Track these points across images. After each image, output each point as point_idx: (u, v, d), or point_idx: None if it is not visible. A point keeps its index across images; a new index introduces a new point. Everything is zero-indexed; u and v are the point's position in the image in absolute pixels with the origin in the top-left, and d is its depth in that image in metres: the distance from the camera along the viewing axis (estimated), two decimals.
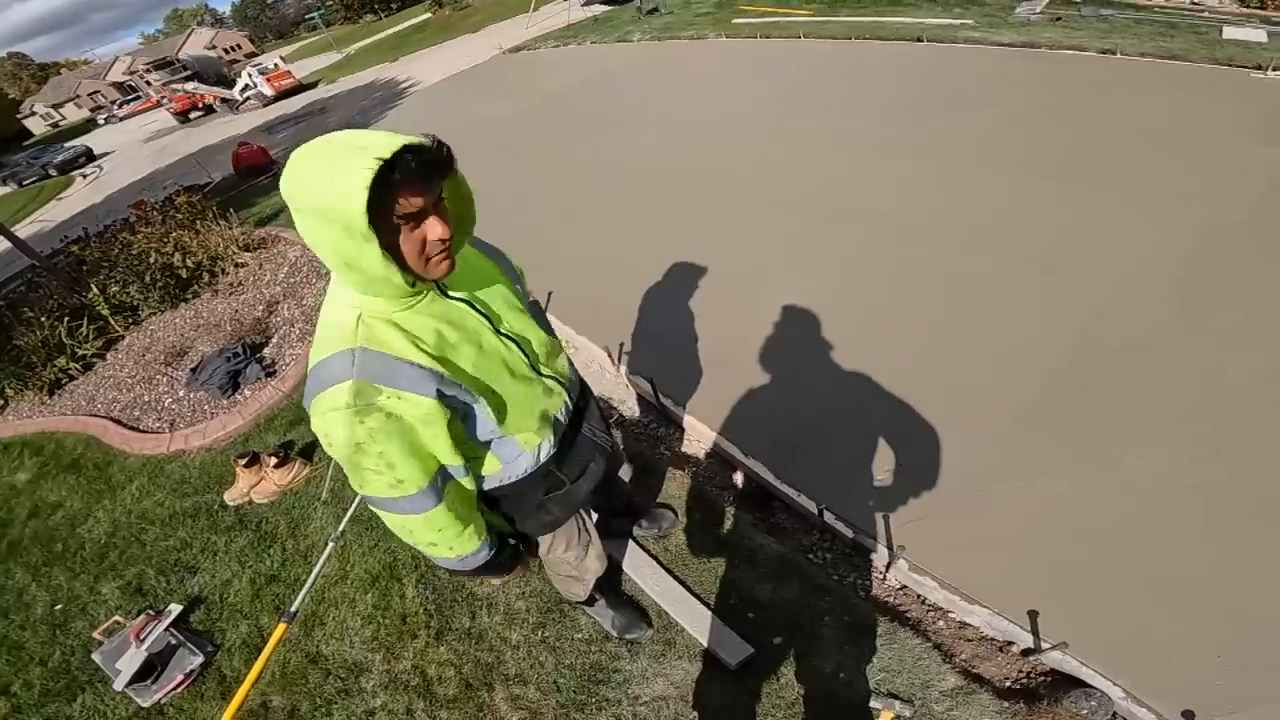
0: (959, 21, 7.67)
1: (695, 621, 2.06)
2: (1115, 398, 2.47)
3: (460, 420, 1.10)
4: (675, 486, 2.57)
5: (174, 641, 2.47)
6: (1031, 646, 1.84)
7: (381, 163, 0.80)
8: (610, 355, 3.38)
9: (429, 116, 11.00)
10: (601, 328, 3.58)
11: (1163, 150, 3.96)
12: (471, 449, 1.19)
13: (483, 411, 1.10)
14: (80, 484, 3.73)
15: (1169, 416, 2.35)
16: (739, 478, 2.67)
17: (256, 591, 2.68)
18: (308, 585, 2.50)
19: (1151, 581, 1.90)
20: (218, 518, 3.13)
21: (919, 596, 2.08)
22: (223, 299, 5.36)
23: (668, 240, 4.37)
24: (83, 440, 4.12)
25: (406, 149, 0.82)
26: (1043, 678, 1.80)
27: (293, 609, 2.38)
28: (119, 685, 2.35)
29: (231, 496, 3.17)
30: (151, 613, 2.62)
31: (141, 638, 2.41)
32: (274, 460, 3.12)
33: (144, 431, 4.00)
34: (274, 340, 4.53)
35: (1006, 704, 1.73)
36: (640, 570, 2.25)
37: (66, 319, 5.19)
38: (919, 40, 7.19)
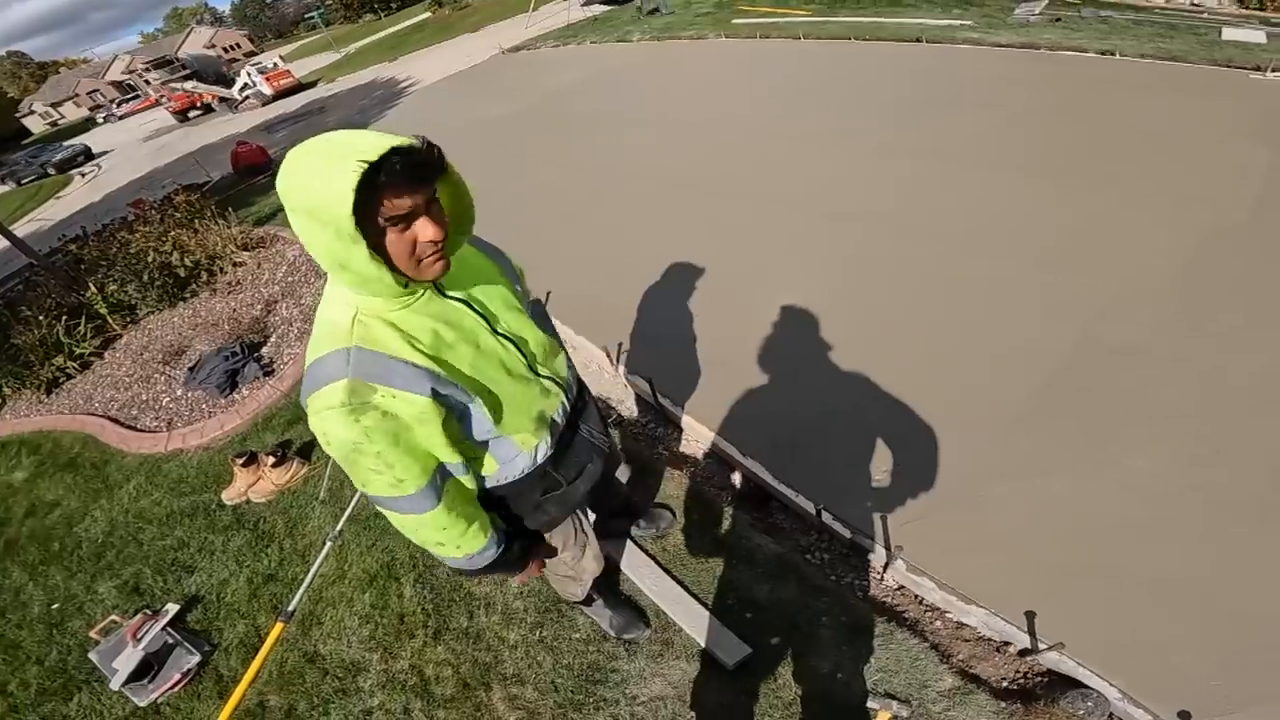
0: (958, 22, 7.68)
1: (693, 621, 2.06)
2: (1114, 398, 2.47)
3: (456, 420, 1.10)
4: (673, 486, 2.57)
5: (171, 641, 2.46)
6: (1028, 647, 1.84)
7: (367, 165, 0.80)
8: (608, 355, 3.37)
9: (428, 116, 10.99)
10: (600, 327, 3.58)
11: (1162, 151, 3.96)
12: (469, 449, 1.18)
13: (479, 411, 1.10)
14: (77, 483, 3.72)
15: (1167, 417, 2.35)
16: (737, 478, 2.67)
17: (254, 591, 2.68)
18: (305, 584, 2.50)
19: (1149, 582, 1.91)
20: (215, 517, 3.13)
21: (916, 597, 2.08)
22: (221, 298, 5.35)
23: (667, 240, 4.37)
24: (80, 439, 4.11)
25: (394, 151, 0.82)
26: (1039, 678, 1.80)
27: (290, 608, 2.39)
28: (115, 684, 2.34)
29: (229, 496, 3.17)
30: (148, 612, 2.61)
31: (138, 637, 2.40)
32: (272, 459, 3.11)
33: (141, 430, 4.00)
34: (272, 339, 4.52)
35: (1003, 704, 1.73)
36: (638, 570, 2.25)
37: (64, 318, 5.19)
38: (918, 41, 7.20)
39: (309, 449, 3.34)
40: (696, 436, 2.88)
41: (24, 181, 22.07)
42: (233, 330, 4.62)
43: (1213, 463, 2.17)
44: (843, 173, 4.67)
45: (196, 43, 57.50)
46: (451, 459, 1.08)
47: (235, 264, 5.84)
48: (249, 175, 9.95)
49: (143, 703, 2.34)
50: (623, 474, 2.13)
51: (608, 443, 1.61)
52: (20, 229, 11.32)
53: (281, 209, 0.95)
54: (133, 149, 21.62)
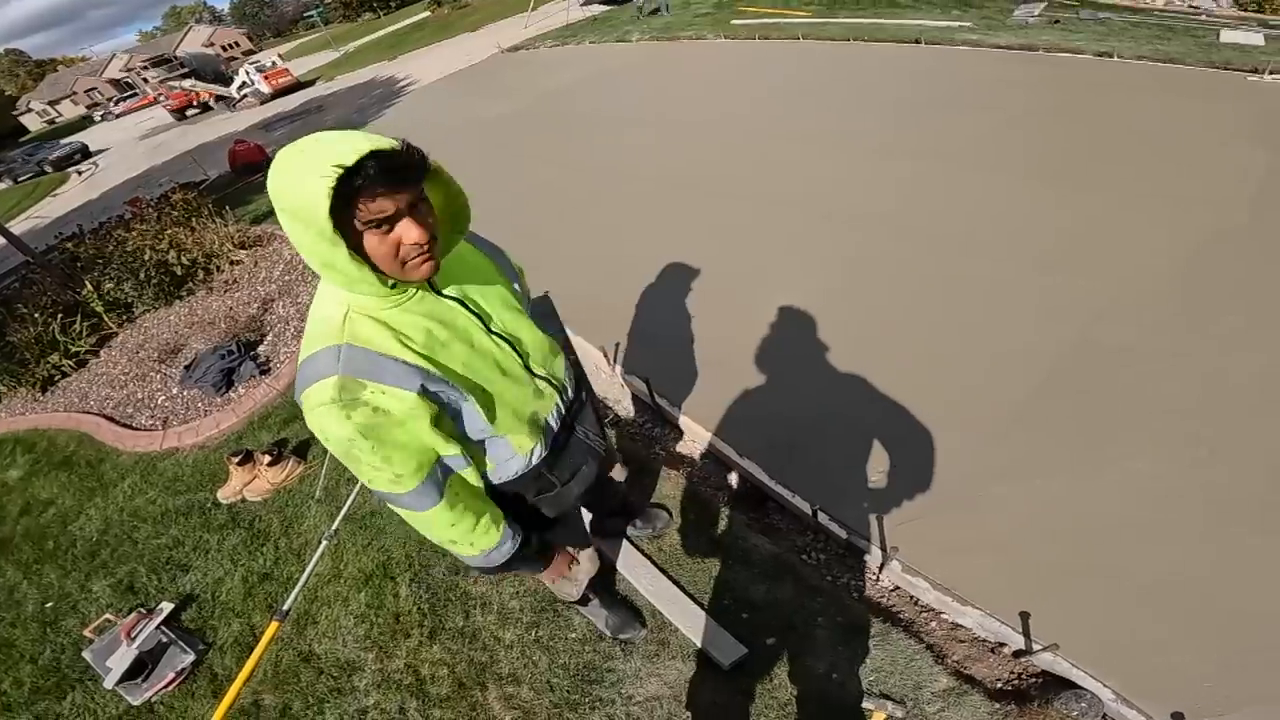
0: (957, 24, 7.70)
1: (689, 621, 2.06)
2: (1112, 399, 2.48)
3: (449, 418, 1.10)
4: (670, 486, 2.57)
5: (165, 640, 2.46)
6: (1023, 648, 1.84)
7: (341, 170, 0.80)
8: (606, 355, 3.37)
9: (427, 115, 10.98)
10: (598, 327, 3.58)
11: (1160, 153, 3.97)
12: (464, 448, 1.18)
13: (472, 411, 1.10)
14: (72, 481, 3.71)
15: (1165, 418, 2.36)
16: (734, 478, 2.67)
17: (249, 590, 2.67)
18: (300, 583, 2.50)
19: (1144, 583, 1.91)
20: (210, 516, 3.12)
21: (912, 598, 2.09)
22: (217, 296, 5.34)
23: (665, 240, 4.37)
24: (75, 437, 4.10)
25: (371, 155, 0.82)
26: (1034, 679, 1.80)
27: (285, 607, 2.38)
28: (109, 683, 2.34)
29: (224, 494, 3.16)
30: (143, 611, 2.60)
31: (132, 636, 2.40)
32: (268, 458, 3.11)
33: (137, 429, 3.99)
34: (268, 338, 4.51)
35: (998, 705, 1.73)
36: (634, 570, 2.25)
37: (60, 315, 5.17)
38: (917, 42, 7.21)
39: (305, 448, 3.34)
40: (693, 437, 2.88)
41: (21, 179, 22.01)
42: (229, 329, 4.61)
43: (1210, 464, 2.18)
44: (842, 174, 4.68)
45: (195, 41, 57.42)
46: (450, 451, 1.08)
47: (232, 262, 5.82)
48: (246, 174, 9.93)
49: (136, 701, 2.33)
50: (619, 474, 2.12)
51: (604, 444, 1.61)
52: (17, 226, 11.29)
53: None
54: (130, 147, 21.57)
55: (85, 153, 22.70)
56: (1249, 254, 3.00)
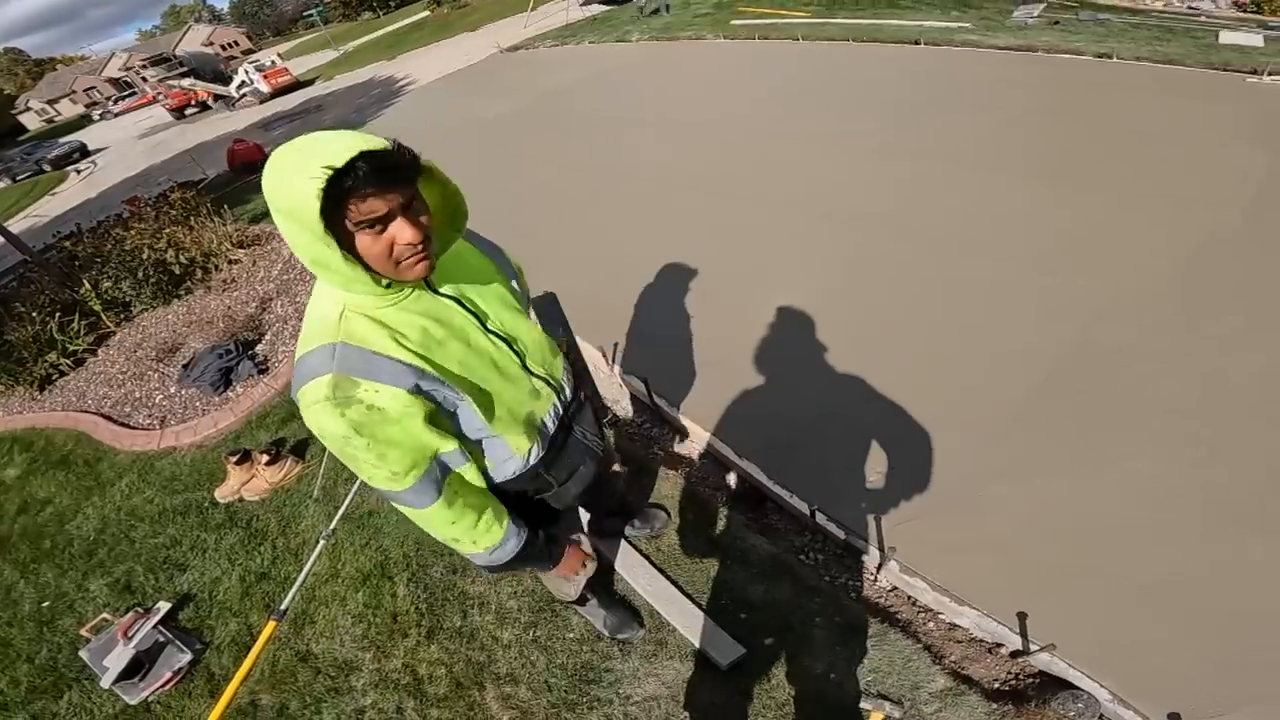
0: (956, 24, 7.70)
1: (687, 622, 2.06)
2: (1112, 400, 2.48)
3: (446, 417, 1.10)
4: (668, 486, 2.56)
5: (162, 639, 2.45)
6: (1020, 648, 1.84)
7: (331, 171, 0.80)
8: (604, 355, 3.37)
9: (426, 115, 10.97)
10: (597, 327, 3.58)
11: (1160, 154, 3.97)
12: (462, 444, 1.17)
13: (469, 410, 1.10)
14: (70, 480, 3.70)
15: (1165, 418, 2.36)
16: (732, 478, 2.67)
17: (246, 589, 2.67)
18: (298, 583, 2.49)
19: (1141, 583, 1.91)
20: (208, 515, 3.11)
21: (910, 598, 2.09)
22: (215, 295, 5.33)
23: (664, 240, 4.37)
24: (73, 436, 4.09)
25: (361, 155, 0.82)
26: (1031, 679, 1.80)
27: (283, 607, 2.38)
28: (106, 683, 2.33)
29: (222, 494, 3.15)
30: (140, 610, 2.60)
31: (129, 635, 2.39)
32: (265, 458, 3.10)
33: (134, 428, 3.98)
34: (267, 337, 4.51)
35: (995, 705, 1.73)
36: (632, 570, 2.25)
37: (58, 314, 5.16)
38: (916, 43, 7.21)
39: (303, 447, 3.33)
40: (692, 437, 2.87)
41: (19, 178, 21.96)
42: (227, 328, 4.60)
43: (1209, 464, 2.18)
44: (841, 174, 4.68)
45: (194, 40, 57.38)
46: (447, 447, 1.08)
47: (230, 261, 5.82)
48: (245, 173, 9.91)
49: (133, 701, 2.33)
50: (617, 468, 2.12)
51: (602, 445, 1.61)
52: (15, 225, 11.27)
53: None
54: (129, 146, 21.53)
55: (84, 151, 22.66)
56: (1248, 254, 3.00)
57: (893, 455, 2.48)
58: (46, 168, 21.80)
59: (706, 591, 2.16)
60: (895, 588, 2.13)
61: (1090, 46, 6.02)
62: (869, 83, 6.58)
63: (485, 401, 1.12)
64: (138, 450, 3.77)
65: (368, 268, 0.92)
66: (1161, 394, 2.45)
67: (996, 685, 1.82)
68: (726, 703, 1.87)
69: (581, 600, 1.99)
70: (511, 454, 1.23)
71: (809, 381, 2.93)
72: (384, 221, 0.89)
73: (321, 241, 0.85)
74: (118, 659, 2.35)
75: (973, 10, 8.32)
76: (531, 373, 1.25)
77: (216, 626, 2.56)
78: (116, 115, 38.92)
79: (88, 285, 5.32)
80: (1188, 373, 2.51)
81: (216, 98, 23.66)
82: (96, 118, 42.43)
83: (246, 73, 21.98)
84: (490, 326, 1.15)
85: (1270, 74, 4.73)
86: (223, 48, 59.47)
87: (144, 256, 5.40)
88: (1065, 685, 1.74)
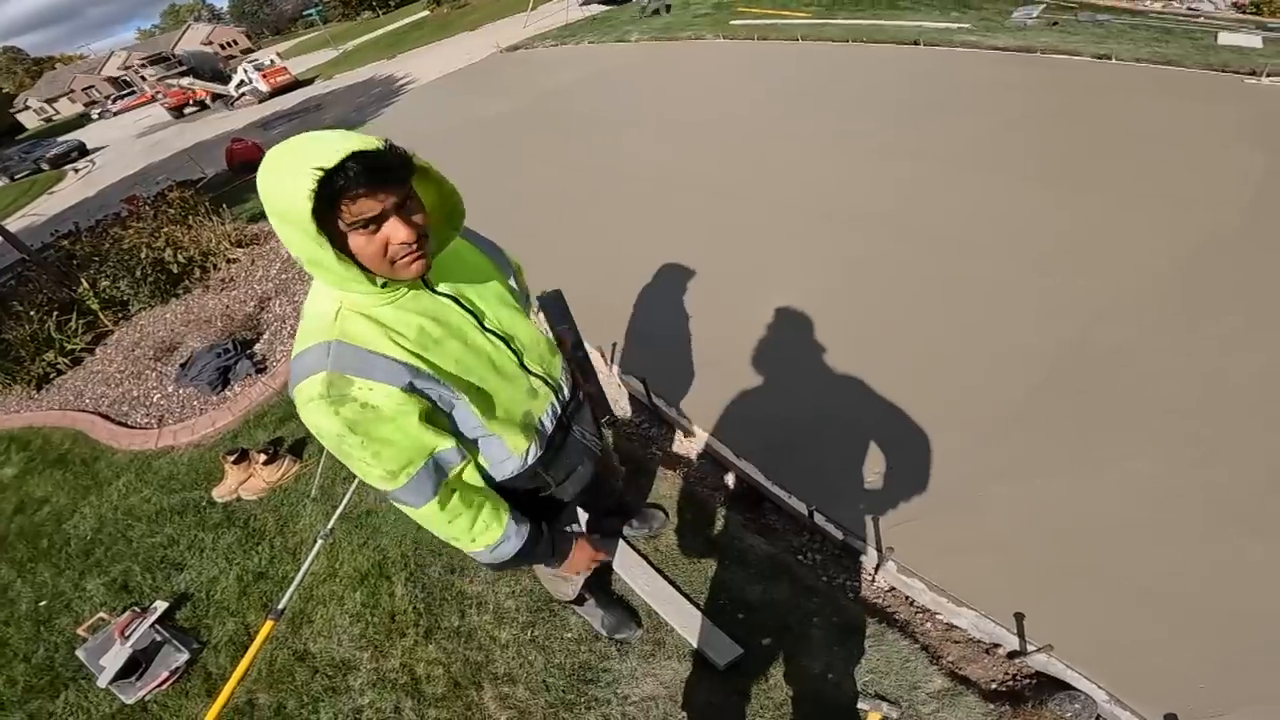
0: (956, 25, 7.70)
1: (685, 622, 2.05)
2: (1112, 400, 2.48)
3: (442, 416, 1.10)
4: (666, 487, 2.56)
5: (159, 638, 2.45)
6: (1017, 649, 1.84)
7: (321, 173, 0.80)
8: (603, 355, 3.37)
9: (425, 114, 10.96)
10: (595, 327, 3.56)
11: (1159, 155, 3.98)
12: (459, 442, 1.17)
13: (465, 409, 1.10)
14: (67, 479, 3.69)
15: (1165, 418, 2.36)
16: (730, 478, 2.67)
17: (243, 589, 2.66)
18: (296, 582, 2.49)
19: (1140, 584, 1.91)
20: (205, 514, 3.11)
21: (907, 598, 2.08)
22: (214, 295, 5.33)
23: (663, 240, 4.37)
24: (70, 435, 4.08)
25: (352, 156, 0.82)
26: (1028, 680, 1.80)
27: (280, 606, 2.38)
28: (103, 682, 2.32)
29: (220, 493, 3.15)
30: (137, 609, 2.59)
31: (126, 634, 2.38)
32: (263, 457, 3.10)
33: (132, 427, 3.97)
34: (265, 336, 4.50)
35: (992, 706, 1.73)
36: (630, 570, 2.25)
37: (56, 313, 5.16)
38: (916, 44, 7.21)
39: (301, 446, 3.33)
40: (690, 437, 2.87)
41: (17, 177, 21.95)
42: (225, 327, 4.60)
43: (1209, 464, 2.18)
44: (841, 174, 4.68)
45: (193, 39, 57.38)
46: (444, 445, 1.08)
47: (229, 260, 5.81)
48: (244, 172, 9.89)
49: (130, 700, 2.32)
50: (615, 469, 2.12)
51: (600, 445, 1.61)
52: (13, 224, 11.24)
53: None
54: (127, 145, 21.51)
55: (82, 150, 22.64)
56: (1248, 254, 3.00)
57: (891, 455, 2.48)
58: (45, 166, 21.79)
59: (704, 591, 2.15)
60: (893, 588, 2.13)
61: (1089, 47, 6.02)
62: (869, 83, 6.58)
63: (482, 400, 1.12)
64: (135, 449, 3.77)
65: (363, 267, 0.92)
66: (1161, 394, 2.45)
67: (994, 686, 1.82)
68: (724, 703, 1.86)
69: (579, 600, 1.99)
70: (509, 453, 1.23)
71: (808, 382, 2.93)
72: (377, 221, 0.89)
73: (314, 241, 0.85)
74: (114, 658, 2.34)
75: (972, 11, 8.33)
76: (529, 371, 1.24)
77: (214, 626, 2.55)
78: (115, 114, 38.90)
79: (85, 284, 5.32)
80: (1188, 373, 2.51)
81: (215, 97, 23.65)
82: (95, 117, 42.41)
83: (245, 72, 21.96)
84: (488, 325, 1.15)
85: (1269, 75, 4.73)
86: (222, 47, 59.44)
87: (142, 255, 5.40)
88: (1062, 686, 1.74)
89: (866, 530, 2.24)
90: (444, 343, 1.05)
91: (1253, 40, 5.92)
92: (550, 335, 1.48)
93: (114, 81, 55.86)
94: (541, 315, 2.31)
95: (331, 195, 0.83)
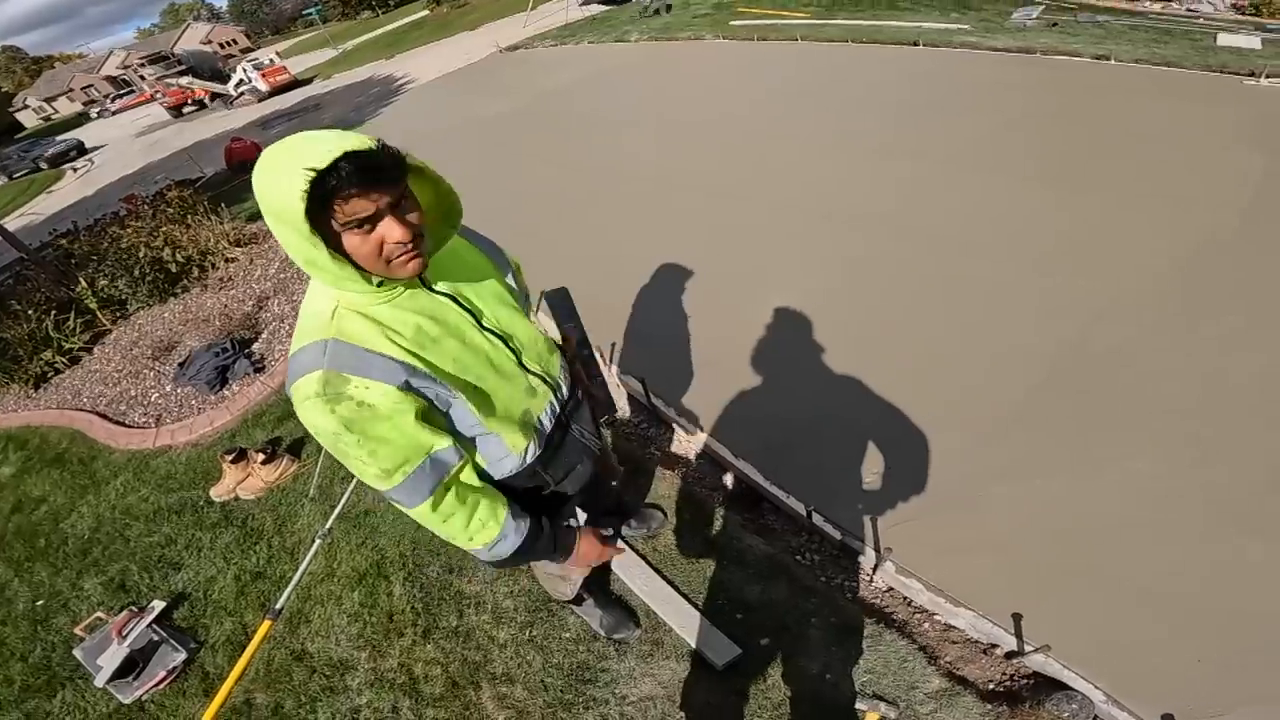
0: (955, 26, 7.70)
1: (683, 622, 2.05)
2: (1111, 400, 2.48)
3: (440, 414, 1.09)
4: (665, 487, 2.56)
5: (156, 638, 2.44)
6: (1015, 649, 1.84)
7: (314, 173, 0.80)
8: (602, 355, 3.37)
9: (425, 114, 10.96)
10: (595, 327, 3.50)
11: (1158, 156, 3.98)
12: (457, 441, 1.17)
13: (462, 407, 1.09)
14: (64, 479, 3.69)
15: (1164, 418, 2.36)
16: (729, 479, 2.66)
17: (241, 588, 2.66)
18: (294, 582, 2.49)
19: (1138, 584, 1.91)
20: (203, 514, 3.10)
21: (905, 599, 2.08)
22: (212, 294, 5.32)
23: (662, 240, 4.37)
24: (68, 434, 4.08)
25: (344, 156, 0.81)
26: (1025, 680, 1.80)
27: (278, 606, 2.37)
28: (100, 681, 2.32)
29: (218, 493, 3.14)
30: (134, 609, 2.59)
31: (123, 634, 2.38)
32: (261, 456, 3.09)
33: (130, 426, 3.97)
34: (263, 336, 4.50)
35: (990, 706, 1.73)
36: (629, 570, 2.24)
37: (54, 312, 5.15)
38: (916, 44, 7.21)
39: (299, 446, 3.33)
40: (689, 437, 2.87)
41: (16, 176, 21.93)
42: (223, 326, 4.59)
43: (1209, 464, 2.18)
44: (841, 174, 4.67)
45: (193, 38, 57.33)
46: (441, 444, 1.07)
47: (227, 260, 5.80)
48: (243, 172, 9.89)
49: (127, 700, 2.32)
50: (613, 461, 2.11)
51: (599, 445, 1.60)
52: (11, 223, 11.23)
53: None
54: (126, 144, 21.50)
55: (81, 149, 22.62)
56: (1247, 255, 3.00)
57: (890, 456, 2.48)
58: (43, 165, 21.76)
59: (703, 592, 2.15)
60: (891, 588, 2.12)
61: (1089, 48, 6.02)
62: (868, 84, 6.58)
63: (480, 399, 1.11)
64: (133, 449, 3.76)
65: (359, 266, 0.92)
66: (1161, 394, 2.45)
67: (991, 686, 1.81)
68: (722, 703, 1.86)
69: (578, 600, 1.98)
70: (508, 451, 1.23)
71: (806, 382, 2.93)
72: (371, 221, 0.89)
73: (309, 241, 0.85)
74: (112, 658, 2.33)
75: (972, 12, 8.33)
76: (528, 370, 1.24)
77: (211, 625, 2.55)
78: (114, 113, 38.85)
79: (84, 283, 5.31)
80: (1187, 373, 2.51)
81: (214, 96, 23.63)
82: (94, 116, 42.40)
83: (244, 71, 21.95)
84: (486, 324, 1.15)
85: (1268, 76, 4.74)
86: (221, 46, 59.41)
87: (140, 254, 5.39)
88: (1060, 686, 1.74)
89: (865, 530, 2.23)
90: (441, 341, 1.05)
91: (1252, 41, 5.92)
92: (550, 334, 1.47)
93: (113, 81, 55.81)
94: (543, 313, 2.30)
95: (324, 195, 0.83)
